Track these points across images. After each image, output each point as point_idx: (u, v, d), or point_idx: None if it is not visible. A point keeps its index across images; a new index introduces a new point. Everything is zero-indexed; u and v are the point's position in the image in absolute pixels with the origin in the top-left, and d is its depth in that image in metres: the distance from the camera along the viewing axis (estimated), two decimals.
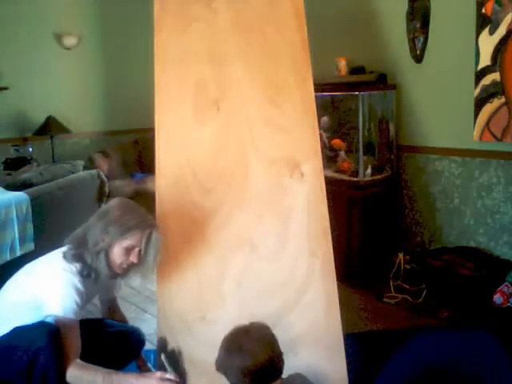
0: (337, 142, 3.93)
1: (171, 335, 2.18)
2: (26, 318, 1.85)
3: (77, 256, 1.91)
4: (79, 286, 1.87)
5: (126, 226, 1.89)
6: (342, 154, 3.84)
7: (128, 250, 1.91)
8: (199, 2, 2.28)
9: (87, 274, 1.92)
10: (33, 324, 1.84)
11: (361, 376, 2.20)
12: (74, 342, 1.84)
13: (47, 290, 1.85)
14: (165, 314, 2.20)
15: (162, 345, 2.18)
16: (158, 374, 1.84)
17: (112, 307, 2.33)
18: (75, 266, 1.89)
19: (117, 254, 1.91)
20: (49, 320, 1.84)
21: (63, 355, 1.78)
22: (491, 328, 2.67)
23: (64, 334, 1.81)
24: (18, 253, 2.86)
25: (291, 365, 1.88)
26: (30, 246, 2.94)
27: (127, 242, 1.90)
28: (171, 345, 2.17)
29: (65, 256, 1.91)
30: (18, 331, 1.83)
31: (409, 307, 3.18)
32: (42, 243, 2.87)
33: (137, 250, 1.92)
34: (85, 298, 1.92)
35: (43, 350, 1.74)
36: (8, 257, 2.82)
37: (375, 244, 3.59)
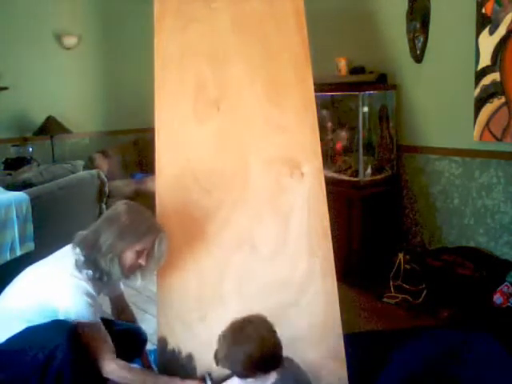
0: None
1: (171, 335, 2.18)
2: (35, 322, 1.87)
3: (90, 262, 1.94)
4: (91, 291, 1.91)
5: (140, 230, 1.95)
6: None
7: (139, 253, 1.96)
8: (199, 2, 2.28)
9: (99, 277, 1.97)
10: (48, 323, 1.86)
11: (361, 376, 2.20)
12: (105, 340, 1.91)
13: (61, 299, 1.87)
14: (165, 314, 2.19)
15: (162, 345, 2.18)
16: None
17: (121, 304, 2.36)
18: (87, 272, 1.94)
19: (129, 257, 1.96)
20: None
21: (86, 353, 1.84)
22: (491, 328, 2.67)
23: (92, 335, 1.87)
24: (18, 253, 2.86)
25: None
26: (30, 246, 2.94)
27: (140, 246, 1.95)
28: (171, 345, 2.17)
29: (76, 264, 1.94)
30: (32, 330, 1.85)
31: (409, 307, 3.18)
32: (42, 243, 2.87)
33: (146, 252, 1.97)
34: (97, 300, 1.98)
35: (61, 347, 1.77)
36: (8, 257, 2.82)
37: (375, 244, 3.59)
